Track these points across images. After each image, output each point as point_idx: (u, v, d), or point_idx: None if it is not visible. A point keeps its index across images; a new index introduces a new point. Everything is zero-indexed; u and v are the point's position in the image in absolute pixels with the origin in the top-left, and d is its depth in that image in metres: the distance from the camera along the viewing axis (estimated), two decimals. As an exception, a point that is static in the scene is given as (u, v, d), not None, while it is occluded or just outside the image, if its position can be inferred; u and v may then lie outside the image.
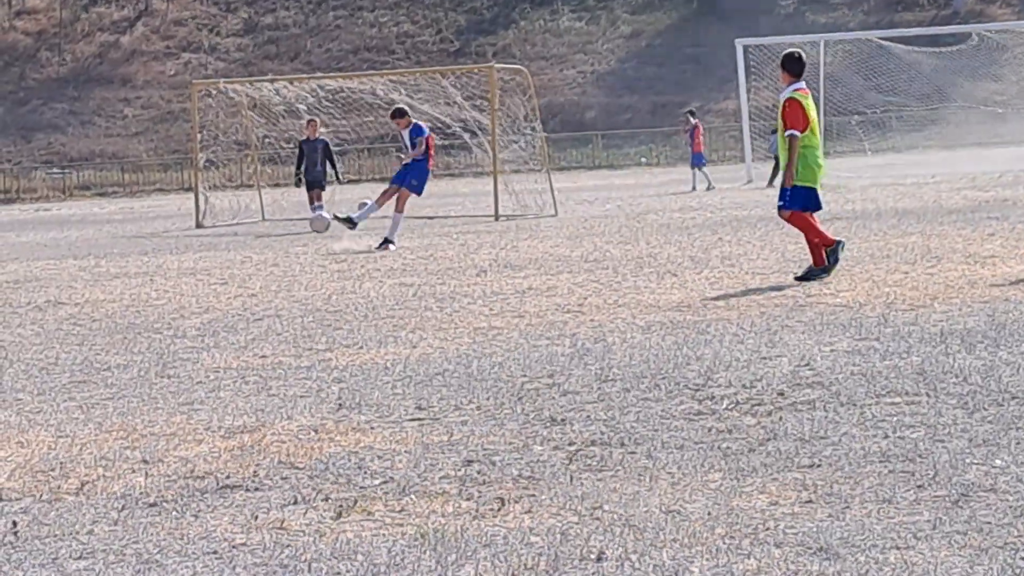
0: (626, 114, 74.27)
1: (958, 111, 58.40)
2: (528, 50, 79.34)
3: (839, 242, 14.70)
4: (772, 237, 20.13)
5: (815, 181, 14.89)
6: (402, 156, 24.41)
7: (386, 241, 22.59)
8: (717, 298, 13.45)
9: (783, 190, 14.89)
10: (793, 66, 14.94)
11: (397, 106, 25.51)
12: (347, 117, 36.93)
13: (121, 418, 8.80)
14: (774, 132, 40.66)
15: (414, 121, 23.85)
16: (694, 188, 39.62)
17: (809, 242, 14.76)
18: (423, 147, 23.42)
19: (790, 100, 14.76)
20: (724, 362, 9.68)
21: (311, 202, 30.33)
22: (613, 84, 77.16)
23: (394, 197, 23.17)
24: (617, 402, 8.47)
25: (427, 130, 24.04)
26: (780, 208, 14.95)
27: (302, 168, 30.90)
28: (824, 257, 14.53)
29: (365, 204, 23.94)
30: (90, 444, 8.02)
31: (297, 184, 32.05)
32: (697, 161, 40.83)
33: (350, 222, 23.30)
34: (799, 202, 14.76)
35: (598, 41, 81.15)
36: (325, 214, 26.87)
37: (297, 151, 31.71)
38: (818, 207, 15.04)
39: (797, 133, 14.67)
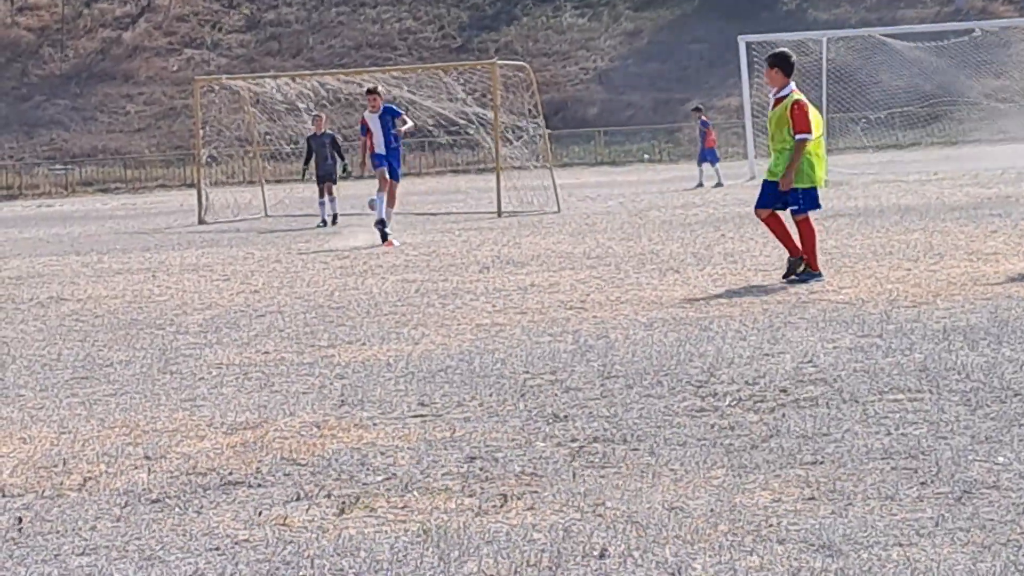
0: (628, 111, 74.26)
1: (960, 108, 58.42)
2: (531, 46, 79.32)
3: (817, 274, 14.39)
4: (774, 234, 20.09)
5: (820, 181, 14.85)
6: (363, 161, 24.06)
7: (384, 236, 22.53)
8: (720, 295, 13.44)
9: (794, 194, 14.60)
10: (788, 66, 14.78)
11: (373, 84, 25.61)
12: (348, 113, 36.95)
13: (123, 414, 8.80)
14: None
15: (385, 104, 23.68)
16: (701, 184, 39.61)
17: (805, 245, 14.54)
18: (404, 125, 23.37)
19: (799, 103, 14.58)
20: (727, 359, 9.68)
21: (321, 195, 30.50)
22: (615, 81, 77.14)
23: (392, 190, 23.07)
24: (620, 399, 8.47)
25: (402, 112, 24.05)
26: (795, 212, 14.64)
27: (310, 163, 31.10)
28: (816, 263, 14.41)
29: (374, 201, 23.61)
30: (92, 440, 8.02)
31: (303, 178, 32.30)
32: (712, 157, 40.81)
33: (382, 225, 22.77)
34: (810, 203, 14.65)
35: (600, 37, 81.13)
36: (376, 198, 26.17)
37: (305, 147, 31.90)
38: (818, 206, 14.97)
39: (810, 137, 14.50)
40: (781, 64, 14.75)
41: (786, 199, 14.64)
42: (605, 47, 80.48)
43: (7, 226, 37.27)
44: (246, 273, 18.65)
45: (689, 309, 12.45)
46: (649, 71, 77.15)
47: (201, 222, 32.84)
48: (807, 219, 14.55)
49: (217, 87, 37.00)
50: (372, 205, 23.20)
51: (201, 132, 35.34)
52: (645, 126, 70.47)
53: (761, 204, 14.83)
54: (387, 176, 22.88)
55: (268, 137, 37.75)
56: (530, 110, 33.71)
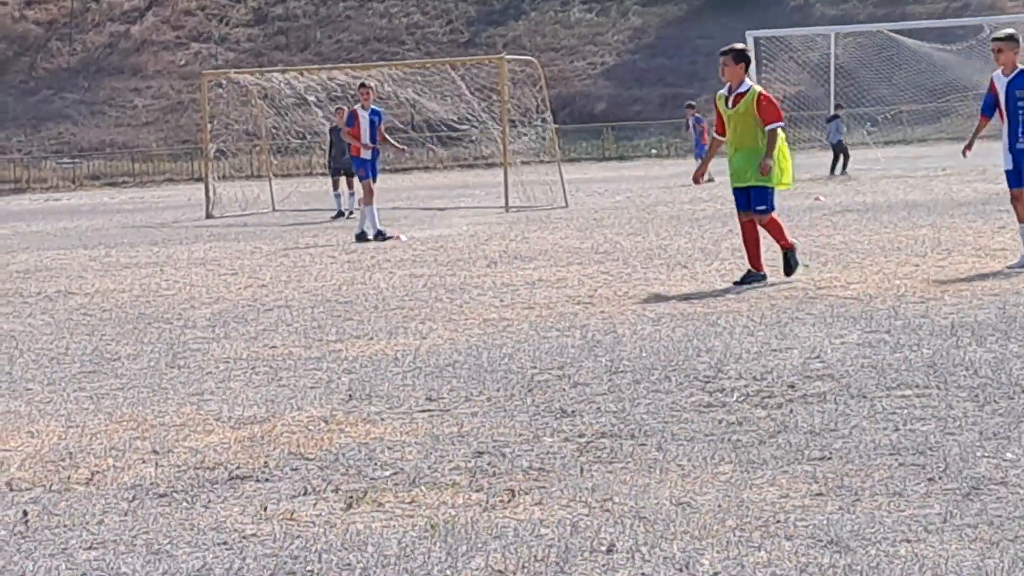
0: (636, 106, 74.22)
1: (969, 103, 58.26)
2: (538, 41, 79.31)
3: (791, 248, 14.30)
4: (782, 229, 20.09)
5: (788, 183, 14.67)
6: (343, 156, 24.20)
7: (379, 234, 22.48)
8: (727, 290, 13.44)
9: (764, 193, 14.33)
10: (748, 62, 14.72)
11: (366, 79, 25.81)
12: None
13: (131, 408, 8.80)
14: (830, 120, 40.57)
15: (373, 106, 23.78)
16: (711, 179, 39.62)
17: (776, 235, 14.29)
18: (388, 135, 23.66)
19: (763, 94, 14.44)
20: (734, 354, 9.67)
21: (335, 187, 30.51)
22: (623, 76, 77.10)
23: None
24: (627, 394, 8.47)
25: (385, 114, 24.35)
26: (763, 212, 14.17)
27: (333, 154, 31.23)
28: (787, 240, 14.22)
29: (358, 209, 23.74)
30: (100, 434, 8.02)
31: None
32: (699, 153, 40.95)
33: (364, 237, 22.73)
34: (774, 204, 14.41)
35: (608, 33, 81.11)
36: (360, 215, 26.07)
37: (328, 138, 32.06)
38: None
39: (783, 124, 14.40)
40: (744, 59, 14.61)
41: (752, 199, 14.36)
42: (613, 42, 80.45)
43: (15, 220, 37.30)
44: (254, 267, 18.66)
45: (697, 304, 12.44)
46: (657, 66, 77.12)
47: (209, 216, 32.84)
48: (772, 220, 14.26)
49: (225, 81, 37.02)
50: (359, 203, 23.47)
51: (209, 126, 35.35)
52: (653, 121, 70.41)
53: (744, 208, 14.47)
54: (372, 188, 23.00)
55: (276, 131, 37.77)
56: (538, 105, 33.71)
